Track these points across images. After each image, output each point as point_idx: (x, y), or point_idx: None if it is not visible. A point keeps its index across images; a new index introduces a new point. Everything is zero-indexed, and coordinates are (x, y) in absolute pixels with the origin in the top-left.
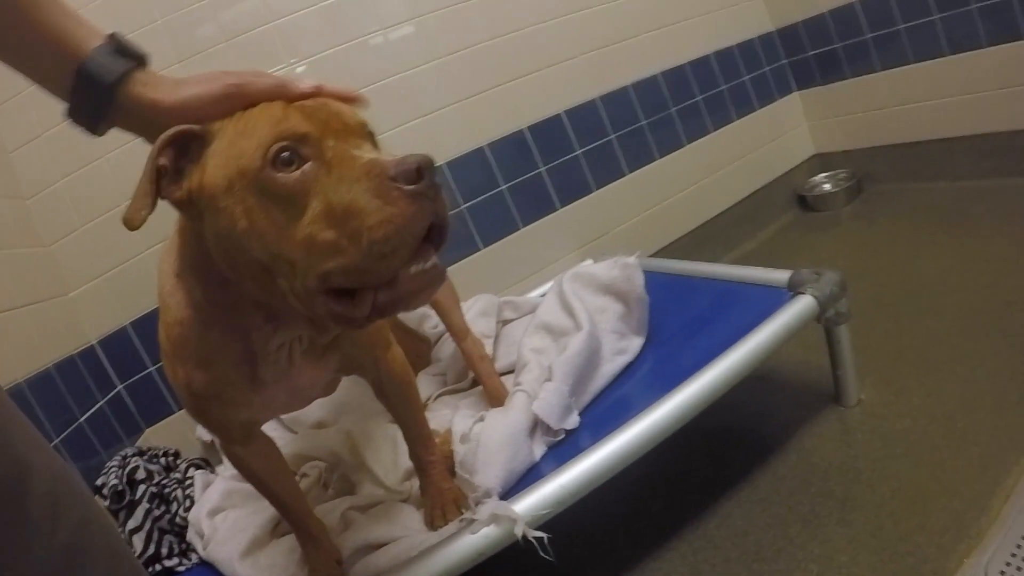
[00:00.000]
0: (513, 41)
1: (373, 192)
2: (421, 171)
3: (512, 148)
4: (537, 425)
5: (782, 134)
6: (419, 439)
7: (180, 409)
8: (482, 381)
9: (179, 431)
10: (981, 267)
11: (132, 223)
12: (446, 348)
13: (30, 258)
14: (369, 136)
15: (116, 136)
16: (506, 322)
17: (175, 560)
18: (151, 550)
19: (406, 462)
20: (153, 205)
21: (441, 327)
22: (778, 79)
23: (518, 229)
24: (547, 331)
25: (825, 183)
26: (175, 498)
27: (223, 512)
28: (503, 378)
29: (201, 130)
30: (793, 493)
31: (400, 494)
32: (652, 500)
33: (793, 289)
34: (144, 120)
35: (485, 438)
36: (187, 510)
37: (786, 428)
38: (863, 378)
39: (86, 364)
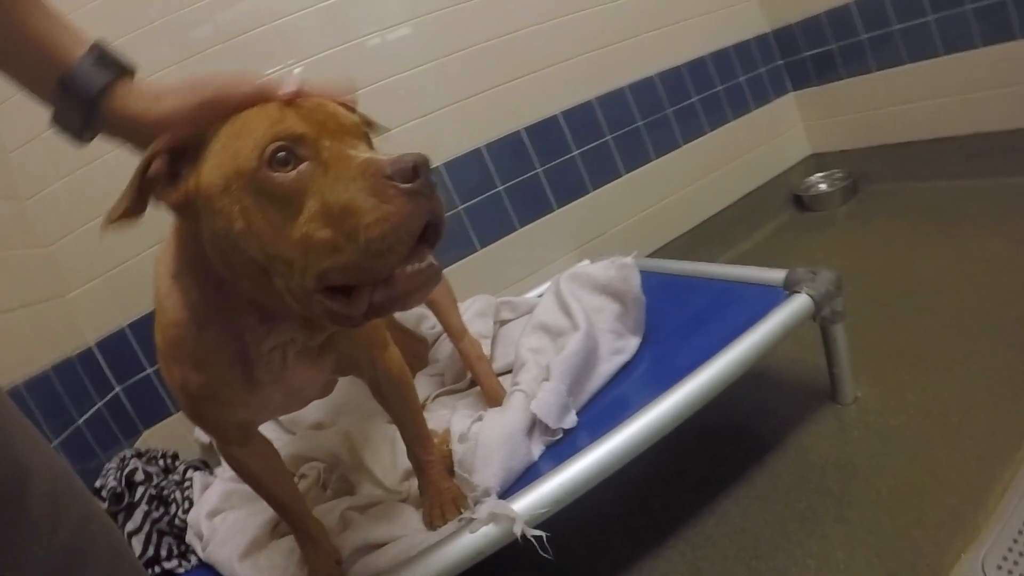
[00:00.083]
0: (510, 42)
1: (369, 190)
2: (417, 169)
3: (509, 149)
4: (535, 424)
5: (778, 134)
6: (417, 439)
7: (178, 411)
8: (480, 381)
9: (177, 433)
10: (976, 266)
11: (104, 226)
12: (444, 348)
13: (28, 259)
14: (365, 136)
15: None
16: (504, 322)
17: (174, 562)
18: (150, 552)
19: (405, 462)
20: (142, 210)
21: (439, 327)
22: (774, 80)
23: (515, 230)
24: (544, 331)
25: (821, 183)
26: (174, 500)
27: (222, 513)
28: (501, 378)
29: (196, 133)
30: (790, 490)
31: (399, 494)
32: (650, 498)
33: (789, 288)
34: (127, 131)
35: (483, 437)
36: (186, 512)
37: (783, 426)
38: (859, 376)
39: (84, 366)
